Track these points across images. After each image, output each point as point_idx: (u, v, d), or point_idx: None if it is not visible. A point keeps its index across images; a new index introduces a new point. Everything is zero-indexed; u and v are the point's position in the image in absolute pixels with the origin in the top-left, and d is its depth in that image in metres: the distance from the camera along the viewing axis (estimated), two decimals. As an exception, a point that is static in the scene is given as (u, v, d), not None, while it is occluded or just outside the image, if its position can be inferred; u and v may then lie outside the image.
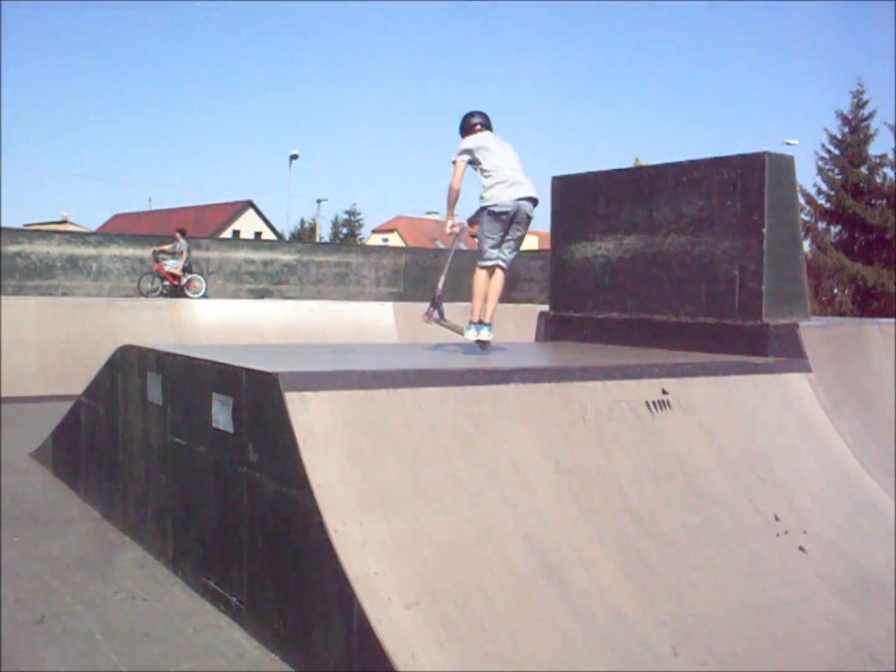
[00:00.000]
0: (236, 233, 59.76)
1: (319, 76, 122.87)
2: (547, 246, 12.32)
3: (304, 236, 64.78)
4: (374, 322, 16.47)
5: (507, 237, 6.42)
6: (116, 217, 68.47)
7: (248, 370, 4.52)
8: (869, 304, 34.14)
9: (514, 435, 4.71)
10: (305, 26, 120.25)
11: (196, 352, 5.54)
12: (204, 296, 19.46)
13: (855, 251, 36.00)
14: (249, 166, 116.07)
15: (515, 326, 12.82)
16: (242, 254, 21.80)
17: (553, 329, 8.57)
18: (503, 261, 6.51)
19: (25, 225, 42.47)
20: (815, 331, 6.72)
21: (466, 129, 6.57)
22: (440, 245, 45.45)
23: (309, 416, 4.13)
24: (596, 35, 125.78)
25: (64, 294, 18.69)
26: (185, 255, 19.88)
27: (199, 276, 20.23)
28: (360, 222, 72.31)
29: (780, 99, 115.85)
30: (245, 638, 4.29)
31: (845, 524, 5.35)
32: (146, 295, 19.03)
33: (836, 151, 36.85)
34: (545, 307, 9.08)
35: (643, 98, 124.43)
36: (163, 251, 19.92)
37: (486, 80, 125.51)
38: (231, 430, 4.61)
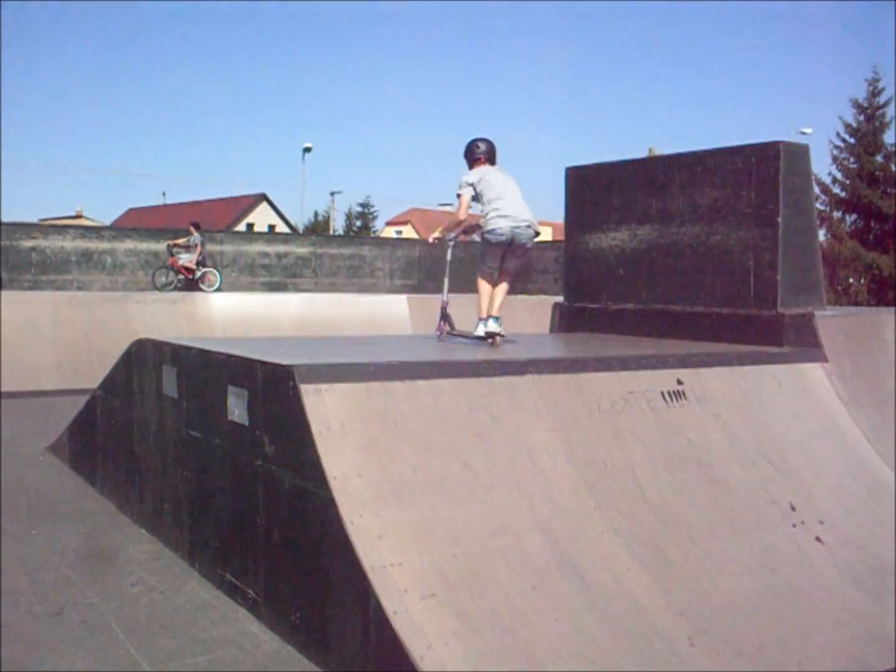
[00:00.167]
0: (250, 226, 59.75)
1: (333, 69, 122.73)
2: (561, 237, 12.30)
3: (318, 229, 64.68)
4: (388, 314, 16.49)
5: (504, 265, 6.60)
6: (130, 211, 68.63)
7: (263, 363, 4.53)
8: (885, 293, 33.79)
9: (529, 426, 4.70)
10: (320, 19, 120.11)
11: (211, 345, 5.56)
12: (218, 289, 19.49)
13: (871, 240, 35.69)
14: (263, 160, 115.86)
15: (530, 317, 12.84)
16: (257, 247, 21.80)
17: (568, 320, 8.56)
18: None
19: (40, 220, 42.57)
20: (830, 320, 6.68)
21: (471, 158, 6.70)
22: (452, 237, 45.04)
23: (324, 408, 4.14)
24: (611, 24, 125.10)
25: (79, 288, 18.74)
26: (199, 249, 19.91)
27: (214, 270, 20.26)
28: (374, 214, 72.16)
29: (795, 87, 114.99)
30: (261, 630, 4.31)
31: (862, 514, 5.33)
32: (161, 289, 19.08)
33: (852, 140, 36.44)
34: (559, 298, 9.07)
35: (657, 88, 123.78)
36: (177, 245, 19.96)
37: (500, 72, 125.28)
38: (247, 423, 4.62)
